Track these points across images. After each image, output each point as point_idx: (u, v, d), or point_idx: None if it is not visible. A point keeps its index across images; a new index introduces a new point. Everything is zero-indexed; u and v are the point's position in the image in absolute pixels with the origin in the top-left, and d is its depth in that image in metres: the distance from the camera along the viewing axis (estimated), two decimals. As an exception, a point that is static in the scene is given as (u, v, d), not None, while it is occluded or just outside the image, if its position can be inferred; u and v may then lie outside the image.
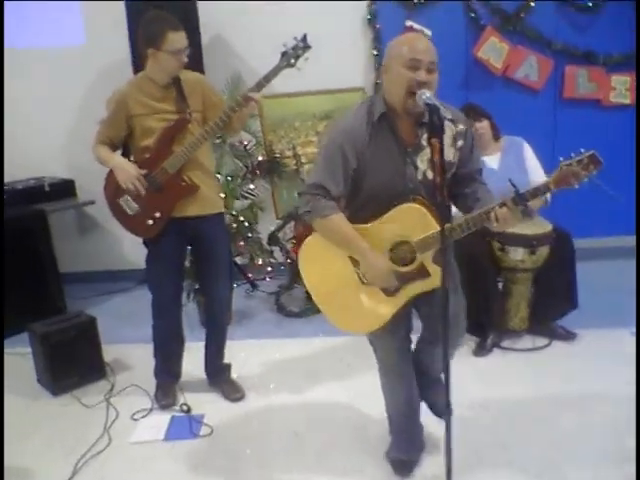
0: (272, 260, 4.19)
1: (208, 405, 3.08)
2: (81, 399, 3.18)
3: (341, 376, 3.30)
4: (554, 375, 3.15)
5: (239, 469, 2.61)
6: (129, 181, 2.77)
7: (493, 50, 4.46)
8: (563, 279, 3.50)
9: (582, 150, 1.98)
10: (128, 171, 2.77)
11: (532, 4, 4.39)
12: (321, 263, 2.30)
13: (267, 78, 2.70)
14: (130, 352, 3.62)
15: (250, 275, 4.39)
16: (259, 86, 2.71)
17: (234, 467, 2.62)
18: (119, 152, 2.93)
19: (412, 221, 2.15)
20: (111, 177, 2.84)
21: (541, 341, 3.52)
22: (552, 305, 3.56)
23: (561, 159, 2.00)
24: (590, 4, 4.37)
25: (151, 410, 3.06)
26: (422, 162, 2.18)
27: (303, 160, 4.25)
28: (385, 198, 2.18)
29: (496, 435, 2.69)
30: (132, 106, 2.76)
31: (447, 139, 2.19)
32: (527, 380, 3.13)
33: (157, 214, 2.82)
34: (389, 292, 2.24)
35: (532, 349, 3.46)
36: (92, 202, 4.57)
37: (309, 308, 4.04)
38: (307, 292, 4.20)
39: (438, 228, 2.06)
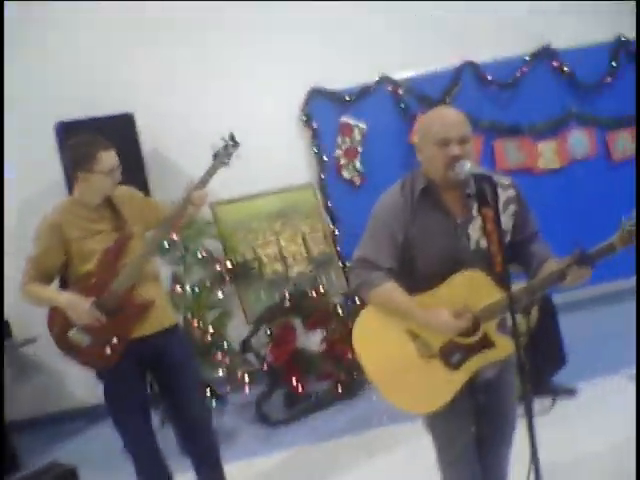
0: (249, 368, 3.96)
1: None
2: None
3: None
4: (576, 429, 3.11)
5: None
6: (86, 317, 2.49)
7: (427, 135, 4.67)
8: (549, 337, 3.54)
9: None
10: (80, 307, 2.49)
11: (456, 87, 4.70)
12: (376, 341, 2.15)
13: (204, 180, 2.65)
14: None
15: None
16: (197, 187, 2.63)
17: None
18: (56, 284, 2.67)
19: (472, 289, 2.06)
20: (55, 311, 2.56)
21: (546, 402, 3.45)
22: (543, 365, 3.56)
23: (623, 219, 2.00)
24: (510, 80, 4.74)
25: None
26: (474, 231, 2.14)
27: (265, 261, 4.15)
28: (439, 273, 2.09)
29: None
30: (67, 230, 2.55)
31: (501, 206, 2.16)
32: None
33: (114, 340, 2.55)
34: (452, 366, 2.13)
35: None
36: (33, 340, 4.19)
37: (295, 412, 3.82)
38: (286, 396, 4.08)
39: (500, 295, 2.00)
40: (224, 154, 2.67)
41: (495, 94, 4.80)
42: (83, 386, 3.32)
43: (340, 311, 4.11)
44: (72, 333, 2.55)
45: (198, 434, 2.75)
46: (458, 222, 2.11)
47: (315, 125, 4.61)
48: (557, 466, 2.51)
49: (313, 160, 4.65)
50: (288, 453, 3.43)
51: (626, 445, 2.77)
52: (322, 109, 4.61)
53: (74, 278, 2.59)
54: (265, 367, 3.96)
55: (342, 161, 4.62)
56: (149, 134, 4.24)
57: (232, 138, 2.70)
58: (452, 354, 2.12)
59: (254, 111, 4.48)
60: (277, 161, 4.46)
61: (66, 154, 2.68)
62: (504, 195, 2.15)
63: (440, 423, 2.20)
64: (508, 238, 2.16)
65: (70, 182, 3.41)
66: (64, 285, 2.66)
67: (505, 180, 2.17)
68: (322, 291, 4.13)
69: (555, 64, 4.83)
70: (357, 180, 4.65)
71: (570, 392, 3.54)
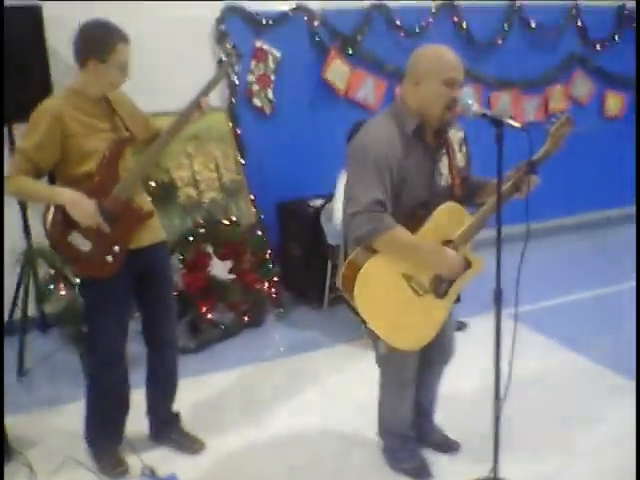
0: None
1: (169, 463, 2.69)
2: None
3: (280, 401, 3.19)
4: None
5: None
6: (89, 219, 2.32)
7: (337, 72, 4.70)
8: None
9: (557, 115, 2.27)
10: (85, 206, 2.31)
11: (366, 28, 4.76)
12: (377, 291, 2.21)
13: (209, 87, 2.61)
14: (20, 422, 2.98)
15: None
16: (203, 94, 2.57)
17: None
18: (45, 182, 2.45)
19: (451, 220, 2.25)
20: (55, 214, 2.33)
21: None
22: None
23: (548, 126, 2.24)
24: (417, 29, 4.89)
25: (103, 483, 2.57)
26: (444, 169, 2.29)
27: (179, 184, 3.96)
28: (417, 208, 2.24)
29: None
30: (69, 124, 2.33)
31: (456, 145, 2.35)
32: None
33: (116, 248, 2.41)
34: (441, 294, 2.29)
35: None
36: None
37: (204, 341, 3.78)
38: (191, 324, 3.99)
39: (471, 220, 2.24)
40: (228, 64, 2.62)
41: (402, 40, 4.93)
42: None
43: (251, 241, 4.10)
44: (73, 237, 2.34)
45: (168, 353, 2.77)
46: (435, 159, 2.25)
47: (229, 45, 4.38)
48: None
49: (224, 82, 4.45)
50: (195, 379, 3.37)
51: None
52: (237, 29, 4.39)
53: (71, 178, 2.38)
54: (175, 294, 3.84)
55: (254, 87, 4.48)
56: (56, 28, 3.74)
57: (234, 48, 2.64)
58: (440, 285, 2.30)
59: (164, 22, 4.15)
60: (188, 79, 4.16)
61: (80, 37, 2.34)
62: (457, 136, 2.35)
63: (399, 356, 2.38)
64: (464, 174, 2.38)
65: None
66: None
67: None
68: (234, 220, 4.06)
69: (455, 19, 5.08)
70: (267, 109, 4.55)
71: (461, 325, 3.91)
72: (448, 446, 2.67)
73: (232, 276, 4.00)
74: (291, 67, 4.59)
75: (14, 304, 3.64)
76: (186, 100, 4.10)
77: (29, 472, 2.64)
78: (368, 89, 4.85)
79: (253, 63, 4.45)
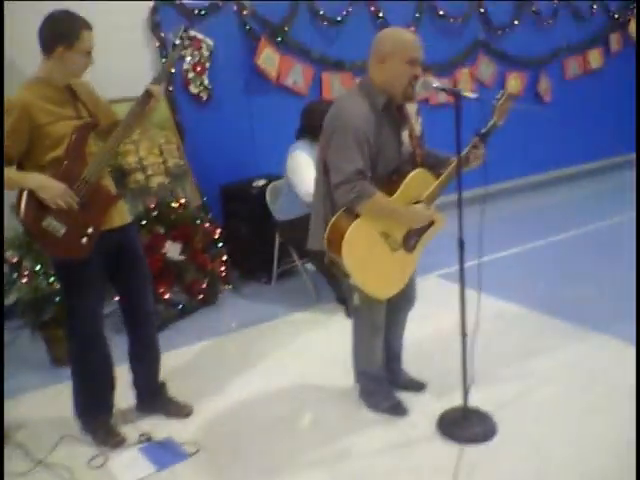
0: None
1: (162, 428, 2.83)
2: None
3: (252, 367, 3.39)
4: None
5: (261, 464, 2.58)
6: (60, 198, 2.40)
7: (268, 60, 4.92)
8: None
9: (500, 92, 2.58)
10: (55, 187, 2.39)
11: (293, 18, 5.00)
12: (359, 250, 2.48)
13: (162, 73, 2.74)
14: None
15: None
16: (156, 81, 2.62)
17: (256, 464, 2.58)
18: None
19: (419, 184, 2.56)
20: (28, 200, 2.40)
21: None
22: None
23: (493, 102, 2.56)
24: (339, 18, 5.19)
25: (104, 453, 2.68)
26: (405, 139, 2.60)
27: (127, 169, 4.03)
28: (391, 172, 2.55)
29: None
30: (36, 115, 2.40)
31: (413, 117, 2.67)
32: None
33: (89, 230, 2.50)
34: (410, 248, 2.59)
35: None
36: None
37: (163, 320, 3.91)
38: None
39: (435, 183, 2.55)
40: (181, 47, 2.66)
41: (325, 29, 5.22)
42: None
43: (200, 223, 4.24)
44: (46, 222, 2.42)
45: (150, 327, 2.90)
46: (400, 132, 2.57)
47: (163, 34, 4.49)
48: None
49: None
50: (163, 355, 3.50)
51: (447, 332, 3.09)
52: (170, 19, 4.50)
53: (39, 164, 2.44)
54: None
55: (190, 75, 4.61)
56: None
57: (186, 31, 2.69)
58: (410, 240, 2.61)
59: (98, 13, 4.16)
60: (123, 69, 4.26)
61: (46, 26, 2.42)
62: (413, 108, 2.67)
63: (374, 304, 2.68)
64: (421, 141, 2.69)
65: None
66: None
67: None
68: (183, 202, 4.19)
69: (372, 8, 5.43)
70: (204, 96, 4.69)
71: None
72: (418, 386, 2.99)
73: (184, 257, 4.14)
74: (225, 55, 4.76)
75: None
76: (121, 88, 4.24)
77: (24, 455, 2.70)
78: (297, 75, 5.10)
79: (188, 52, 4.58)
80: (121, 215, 2.69)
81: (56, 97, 2.48)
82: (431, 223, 2.63)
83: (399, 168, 2.55)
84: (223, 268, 4.38)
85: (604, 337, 3.36)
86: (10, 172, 2.42)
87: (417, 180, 2.55)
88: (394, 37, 2.48)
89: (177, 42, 2.65)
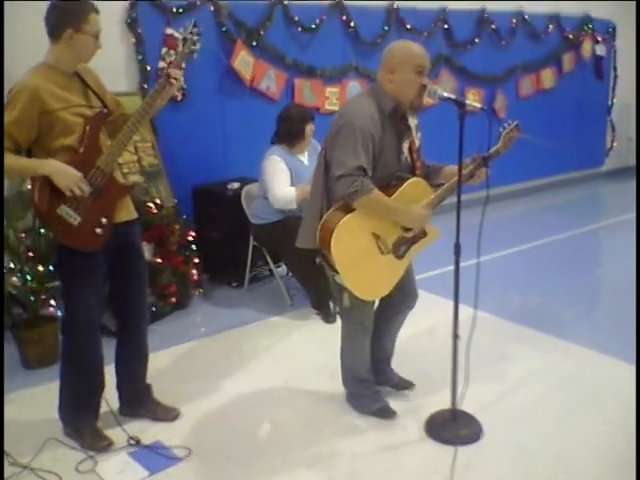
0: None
1: (149, 432, 2.79)
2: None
3: (235, 370, 3.38)
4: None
5: (255, 466, 2.58)
6: (74, 185, 2.37)
7: (243, 63, 4.91)
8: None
9: (509, 122, 2.73)
10: (70, 173, 2.36)
11: (268, 22, 5.01)
12: (348, 245, 2.53)
13: (180, 60, 2.69)
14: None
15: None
16: (175, 66, 2.64)
17: (251, 466, 2.58)
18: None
19: (418, 191, 2.63)
20: (42, 187, 2.36)
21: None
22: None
23: (501, 129, 2.72)
24: (313, 25, 5.24)
25: (91, 457, 2.61)
26: (405, 149, 2.67)
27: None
28: (390, 176, 2.61)
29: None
30: (47, 100, 2.36)
31: (414, 130, 2.75)
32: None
33: (104, 220, 2.48)
34: (399, 256, 2.65)
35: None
36: None
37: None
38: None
39: (433, 194, 2.63)
40: (191, 41, 2.64)
41: (299, 35, 5.26)
42: None
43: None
44: (61, 210, 2.38)
45: (144, 329, 2.86)
46: (401, 141, 2.65)
47: (140, 30, 4.42)
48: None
49: (135, 68, 4.47)
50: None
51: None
52: (148, 17, 4.44)
53: (49, 152, 2.39)
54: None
55: (165, 74, 4.55)
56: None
57: (195, 26, 2.67)
58: (400, 247, 2.68)
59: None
60: (98, 65, 4.15)
61: (53, 10, 2.37)
62: (414, 122, 2.76)
63: (363, 306, 2.74)
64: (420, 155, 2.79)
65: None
66: None
67: None
68: (158, 202, 4.13)
69: (344, 18, 5.51)
70: (179, 95, 4.64)
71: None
72: (406, 385, 3.06)
73: (157, 259, 4.07)
74: (201, 55, 4.67)
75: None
76: (108, 84, 4.14)
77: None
78: (270, 80, 5.12)
79: (164, 50, 4.52)
80: (128, 209, 2.66)
81: (65, 84, 2.43)
82: (424, 234, 2.70)
83: (398, 175, 2.62)
84: (195, 271, 4.33)
85: (571, 345, 3.54)
86: (24, 160, 2.39)
87: (415, 187, 2.62)
88: (403, 49, 2.56)
89: (187, 36, 2.63)
